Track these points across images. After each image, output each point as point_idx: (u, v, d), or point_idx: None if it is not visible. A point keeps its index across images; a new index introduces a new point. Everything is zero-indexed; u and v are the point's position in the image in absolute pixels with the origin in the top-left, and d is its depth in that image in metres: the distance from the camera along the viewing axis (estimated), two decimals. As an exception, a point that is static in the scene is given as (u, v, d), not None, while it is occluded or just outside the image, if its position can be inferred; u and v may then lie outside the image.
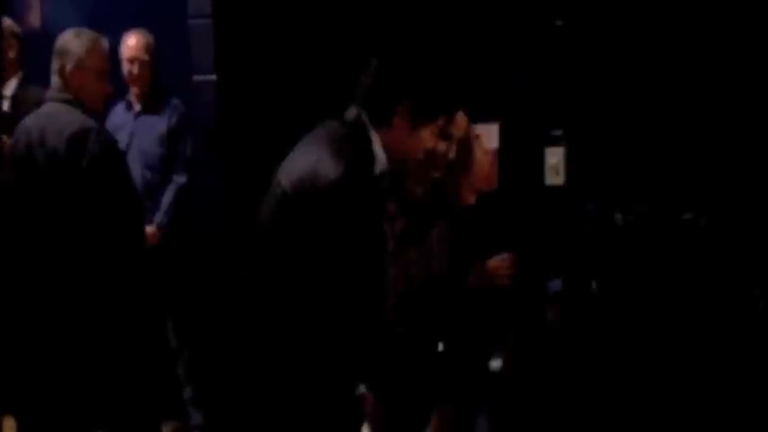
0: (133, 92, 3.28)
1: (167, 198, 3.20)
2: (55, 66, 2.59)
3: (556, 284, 2.54)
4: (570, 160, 2.73)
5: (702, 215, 2.46)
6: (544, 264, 2.61)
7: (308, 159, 1.64)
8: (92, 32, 2.66)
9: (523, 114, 2.80)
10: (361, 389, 1.78)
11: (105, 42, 2.69)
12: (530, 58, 2.84)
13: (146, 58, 3.21)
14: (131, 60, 3.20)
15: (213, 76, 2.95)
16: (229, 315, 3.16)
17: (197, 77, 2.99)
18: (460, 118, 1.89)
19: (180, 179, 3.23)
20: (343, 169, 1.59)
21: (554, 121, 2.79)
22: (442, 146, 1.75)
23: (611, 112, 2.81)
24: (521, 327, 2.46)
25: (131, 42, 3.22)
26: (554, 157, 2.68)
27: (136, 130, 3.23)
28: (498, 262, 2.25)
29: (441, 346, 2.19)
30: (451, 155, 1.84)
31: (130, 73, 3.21)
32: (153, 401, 2.87)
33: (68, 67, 2.56)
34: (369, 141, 1.70)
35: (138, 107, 3.29)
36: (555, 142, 2.73)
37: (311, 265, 1.61)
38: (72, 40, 2.60)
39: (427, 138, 1.71)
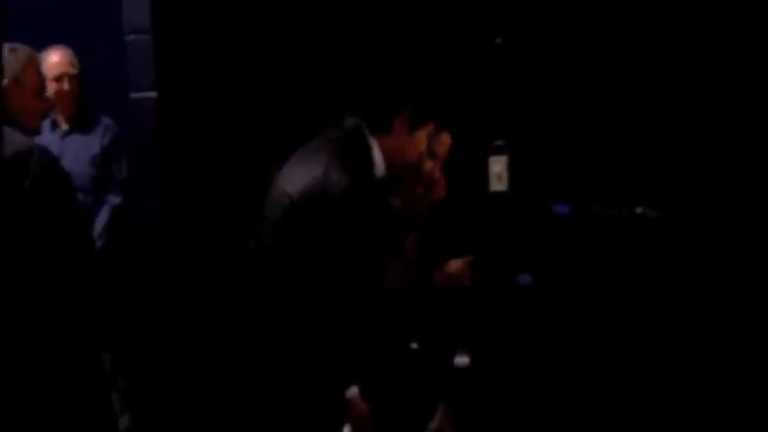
0: (60, 111, 3.13)
1: (102, 220, 3.09)
2: (-13, 82, 2.45)
3: (525, 278, 2.69)
4: (512, 167, 2.92)
5: (653, 209, 2.70)
6: (501, 263, 2.77)
7: (314, 170, 1.70)
8: (27, 48, 2.54)
9: (468, 127, 2.96)
10: (350, 392, 1.82)
11: (41, 58, 2.59)
12: (472, 74, 3.02)
13: (74, 72, 3.08)
14: (59, 78, 3.06)
15: (153, 93, 2.88)
16: (168, 338, 3.08)
17: (134, 95, 2.91)
18: (445, 137, 1.98)
19: (114, 200, 3.12)
20: (350, 179, 1.67)
21: (496, 131, 2.98)
22: (429, 164, 1.86)
23: (549, 121, 3.04)
24: (484, 324, 2.59)
25: (56, 59, 3.07)
26: (497, 166, 2.86)
27: (64, 151, 3.09)
28: (459, 264, 2.40)
29: (414, 345, 2.28)
30: (437, 174, 1.93)
31: (60, 91, 3.06)
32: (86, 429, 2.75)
33: (4, 83, 2.44)
34: (369, 149, 1.78)
35: (65, 126, 3.15)
36: (498, 151, 2.92)
37: (318, 271, 1.67)
38: (6, 56, 2.48)
39: (422, 140, 1.82)
